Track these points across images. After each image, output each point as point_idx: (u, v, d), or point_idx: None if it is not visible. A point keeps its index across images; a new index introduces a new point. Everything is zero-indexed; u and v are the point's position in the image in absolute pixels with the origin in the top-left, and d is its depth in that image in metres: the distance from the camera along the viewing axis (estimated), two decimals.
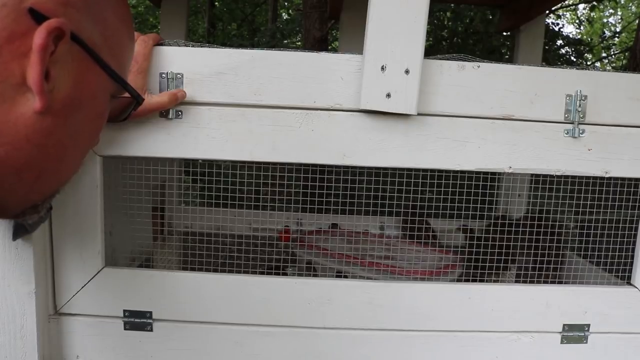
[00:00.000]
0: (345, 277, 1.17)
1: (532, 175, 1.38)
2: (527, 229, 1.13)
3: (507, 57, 5.52)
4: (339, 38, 1.90)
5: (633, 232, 0.97)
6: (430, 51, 5.18)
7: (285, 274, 1.27)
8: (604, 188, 1.00)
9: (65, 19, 0.42)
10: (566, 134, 0.88)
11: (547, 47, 6.03)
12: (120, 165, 0.99)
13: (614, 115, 0.88)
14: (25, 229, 0.78)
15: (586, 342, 0.96)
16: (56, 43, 0.42)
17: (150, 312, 0.91)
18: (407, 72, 0.82)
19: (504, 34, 5.39)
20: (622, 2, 8.74)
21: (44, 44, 0.41)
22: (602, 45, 8.18)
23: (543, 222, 1.21)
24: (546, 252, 1.14)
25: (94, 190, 0.87)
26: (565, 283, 1.12)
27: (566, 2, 7.11)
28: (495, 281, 1.15)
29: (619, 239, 0.99)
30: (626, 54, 6.58)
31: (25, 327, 0.86)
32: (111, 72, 0.50)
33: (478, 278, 1.05)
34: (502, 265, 1.05)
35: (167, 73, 0.83)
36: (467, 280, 1.14)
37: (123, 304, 0.91)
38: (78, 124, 0.49)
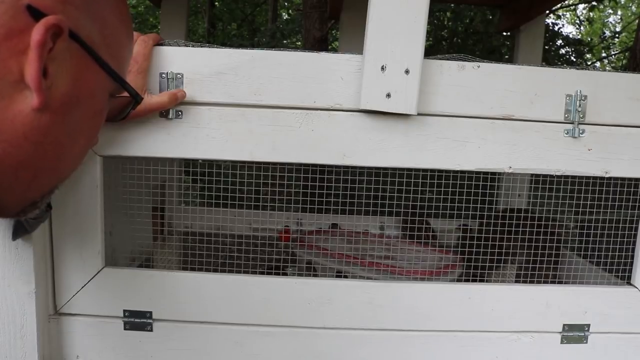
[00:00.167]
0: (345, 277, 1.17)
1: (532, 175, 1.38)
2: (521, 227, 1.13)
3: (507, 57, 5.52)
4: (339, 38, 1.90)
5: (633, 232, 0.97)
6: (430, 51, 5.18)
7: (285, 274, 1.27)
8: (604, 188, 1.00)
9: (63, 16, 0.42)
10: (566, 134, 0.88)
11: (547, 47, 6.03)
12: (120, 165, 0.99)
13: (614, 115, 0.88)
14: (25, 228, 0.78)
15: (586, 342, 0.96)
16: (54, 40, 0.42)
17: (150, 312, 0.91)
18: (407, 72, 0.82)
19: (504, 34, 5.39)
20: (622, 2, 8.73)
21: (42, 41, 0.41)
22: (602, 45, 8.18)
23: (536, 219, 1.21)
24: (539, 248, 1.14)
25: (94, 190, 0.87)
26: (565, 283, 1.12)
27: (566, 2, 7.11)
28: (495, 275, 1.15)
29: (619, 239, 0.99)
30: (626, 54, 6.58)
31: (25, 327, 0.86)
32: (110, 70, 0.49)
33: (479, 271, 1.04)
34: (495, 259, 1.05)
35: (167, 73, 0.83)
36: (467, 276, 1.14)
37: (123, 304, 0.91)
38: (76, 122, 0.49)
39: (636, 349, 0.97)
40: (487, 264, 1.03)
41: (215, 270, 0.99)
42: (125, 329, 0.91)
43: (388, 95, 0.83)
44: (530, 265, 1.09)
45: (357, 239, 1.38)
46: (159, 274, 0.92)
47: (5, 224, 0.82)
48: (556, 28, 6.57)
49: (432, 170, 0.95)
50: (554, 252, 1.18)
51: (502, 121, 0.87)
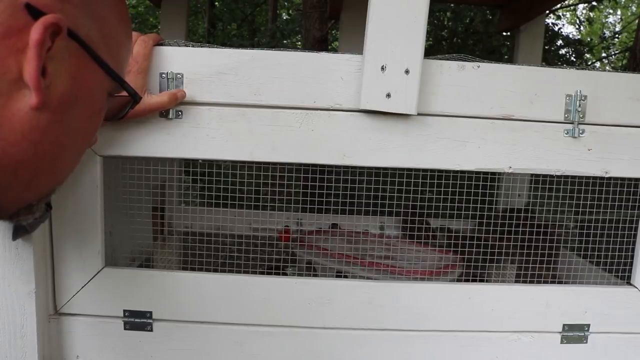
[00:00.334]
0: (345, 277, 1.17)
1: (532, 175, 1.38)
2: (514, 226, 1.13)
3: (507, 57, 5.52)
4: (339, 38, 1.90)
5: (633, 232, 0.97)
6: (430, 51, 5.18)
7: (285, 274, 1.27)
8: (604, 188, 1.00)
9: (62, 15, 0.42)
10: (566, 134, 0.88)
11: (547, 47, 6.03)
12: (120, 165, 0.99)
13: (614, 115, 0.88)
14: (25, 229, 0.78)
15: (586, 342, 0.96)
16: (53, 39, 0.42)
17: (150, 312, 0.91)
18: (407, 72, 0.82)
19: (504, 34, 5.39)
20: (622, 2, 8.74)
21: (41, 39, 0.41)
22: (602, 45, 8.17)
23: (535, 219, 1.21)
24: (537, 248, 1.14)
25: (94, 190, 0.87)
26: (565, 283, 1.12)
27: (566, 2, 7.11)
28: (495, 274, 1.15)
29: (619, 239, 0.99)
30: (626, 54, 6.58)
31: (25, 327, 0.86)
32: (108, 69, 0.49)
33: (479, 270, 1.04)
34: (487, 259, 1.05)
35: (167, 73, 0.83)
36: (460, 276, 1.14)
37: (123, 304, 0.91)
38: (75, 122, 0.48)
39: (636, 349, 0.97)
40: (474, 264, 1.03)
41: (215, 270, 0.99)
42: (125, 329, 0.91)
43: (388, 95, 0.83)
44: (530, 265, 1.09)
45: (357, 239, 1.38)
46: (159, 274, 0.92)
47: (5, 224, 0.82)
48: (556, 28, 6.57)
49: (432, 170, 0.95)
50: (553, 252, 1.18)
51: (502, 121, 0.87)
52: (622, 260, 1.00)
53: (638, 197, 0.98)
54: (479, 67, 0.86)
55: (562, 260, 1.25)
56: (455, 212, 1.48)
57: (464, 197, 1.08)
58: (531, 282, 1.06)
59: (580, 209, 1.03)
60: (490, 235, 1.11)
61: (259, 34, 6.99)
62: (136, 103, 0.62)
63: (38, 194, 0.51)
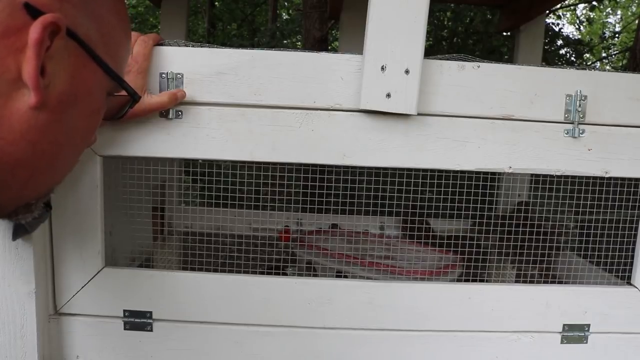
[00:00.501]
0: (345, 277, 1.17)
1: (532, 175, 1.38)
2: (507, 225, 1.13)
3: (507, 57, 5.52)
4: (339, 38, 1.90)
5: (633, 232, 0.97)
6: (430, 51, 5.18)
7: (285, 274, 1.27)
8: (604, 188, 1.00)
9: (60, 14, 0.42)
10: (566, 134, 0.88)
11: (547, 47, 6.03)
12: (120, 165, 0.99)
13: (614, 115, 0.88)
14: (25, 229, 0.78)
15: (586, 342, 0.96)
16: (52, 38, 0.42)
17: (150, 312, 0.91)
18: (407, 72, 0.82)
19: (504, 34, 5.39)
20: (623, 2, 8.73)
21: (40, 39, 0.41)
22: (602, 45, 8.18)
23: (529, 217, 1.21)
24: (535, 248, 1.14)
25: (94, 190, 0.87)
26: (565, 283, 1.12)
27: (566, 2, 7.11)
28: (494, 274, 1.15)
29: (619, 239, 0.99)
30: (626, 54, 6.58)
31: (25, 327, 0.86)
32: (107, 68, 0.49)
33: (479, 270, 1.04)
34: (488, 257, 1.05)
35: (167, 73, 0.83)
36: (468, 271, 1.14)
37: (123, 304, 0.91)
38: (73, 121, 0.48)
39: (636, 349, 0.97)
40: (474, 264, 1.03)
41: (215, 270, 0.99)
42: (125, 329, 0.91)
43: (388, 95, 0.83)
44: (530, 266, 1.09)
45: (357, 239, 1.38)
46: (159, 274, 0.92)
47: (5, 224, 0.82)
48: (556, 28, 6.56)
49: (432, 170, 0.95)
50: (553, 252, 1.18)
51: (502, 121, 0.87)
52: (622, 260, 1.01)
53: (638, 197, 0.98)
54: (479, 67, 0.86)
55: (562, 260, 1.25)
56: (455, 212, 1.48)
57: (464, 197, 1.08)
58: (531, 282, 1.06)
59: (580, 209, 1.03)
60: (490, 236, 1.11)
61: (259, 34, 6.99)
62: (135, 102, 0.62)
63: (36, 193, 0.51)
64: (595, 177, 0.92)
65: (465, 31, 6.00)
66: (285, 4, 8.20)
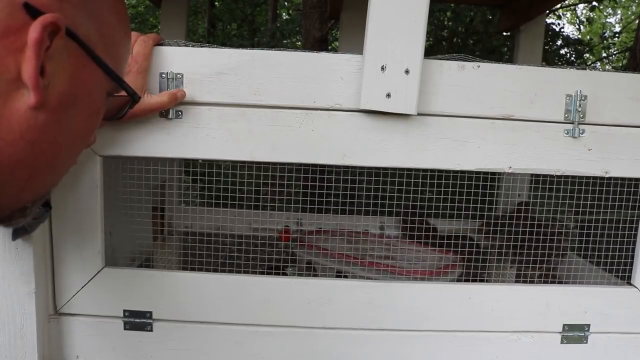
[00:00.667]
0: (345, 277, 1.17)
1: (532, 175, 1.38)
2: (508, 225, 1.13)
3: (507, 57, 5.52)
4: (339, 38, 1.90)
5: (633, 232, 0.97)
6: (430, 51, 5.18)
7: (285, 274, 1.27)
8: (604, 188, 1.00)
9: (60, 14, 0.42)
10: (566, 134, 0.88)
11: (547, 47, 6.03)
12: (120, 165, 0.99)
13: (614, 115, 0.88)
14: (25, 229, 0.78)
15: (586, 342, 0.96)
16: (51, 38, 0.42)
17: (150, 312, 0.91)
18: (407, 72, 0.82)
19: (504, 34, 5.39)
20: (623, 2, 8.73)
21: (39, 38, 0.41)
22: (602, 45, 8.18)
23: (533, 217, 1.21)
24: (534, 246, 1.14)
25: (94, 190, 0.87)
26: (565, 283, 1.12)
27: (566, 2, 7.11)
28: (495, 274, 1.15)
29: (619, 239, 0.99)
30: (626, 54, 6.58)
31: (25, 327, 0.86)
32: (107, 69, 0.49)
33: (479, 270, 1.04)
34: (488, 258, 1.05)
35: (167, 73, 0.83)
36: (467, 274, 1.14)
37: (123, 304, 0.91)
38: (73, 121, 0.48)
39: (636, 349, 0.97)
40: (474, 264, 1.03)
41: (215, 270, 0.99)
42: (125, 329, 0.91)
43: (388, 95, 0.83)
44: (530, 266, 1.09)
45: (357, 239, 1.38)
46: (159, 274, 0.92)
47: None
48: (556, 28, 6.56)
49: (432, 170, 0.95)
50: (554, 252, 1.18)
51: (502, 121, 0.87)
52: (622, 260, 1.00)
53: (638, 197, 0.98)
54: (479, 67, 0.86)
55: (563, 260, 1.25)
56: (455, 212, 1.48)
57: (464, 197, 1.08)
58: (531, 282, 1.06)
59: (580, 209, 1.03)
60: (490, 236, 1.11)
61: (259, 34, 6.99)
62: (135, 103, 0.62)
63: (34, 194, 0.51)
64: (595, 177, 0.92)
65: (465, 31, 6.01)
66: (285, 4, 8.20)
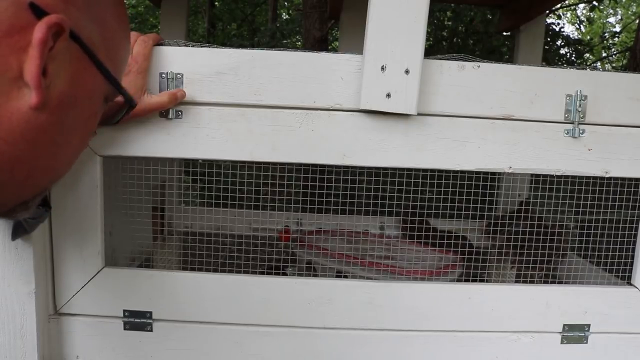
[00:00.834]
0: (345, 277, 1.17)
1: (532, 175, 1.38)
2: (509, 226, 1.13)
3: (507, 57, 5.52)
4: (339, 38, 1.90)
5: (633, 232, 0.97)
6: (430, 51, 5.18)
7: (285, 274, 1.27)
8: (604, 188, 1.00)
9: (65, 16, 0.42)
10: (566, 134, 0.88)
11: (547, 47, 6.03)
12: (120, 165, 0.99)
13: (614, 115, 0.88)
14: (25, 229, 0.78)
15: (586, 342, 0.96)
16: (55, 39, 0.42)
17: (150, 312, 0.91)
18: (407, 72, 0.82)
19: (504, 34, 5.39)
20: (623, 2, 8.73)
21: (44, 39, 0.41)
22: (602, 45, 8.18)
23: (535, 217, 1.21)
24: (535, 246, 1.14)
25: (94, 190, 0.87)
26: (565, 283, 1.12)
27: (566, 2, 7.11)
28: (495, 274, 1.14)
29: (619, 239, 0.99)
30: (626, 54, 6.58)
31: (25, 327, 0.86)
32: (107, 73, 0.49)
33: (479, 270, 1.04)
34: (489, 258, 1.05)
35: (167, 73, 0.83)
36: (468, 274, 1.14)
37: (123, 304, 0.91)
38: (72, 123, 0.49)
39: (636, 349, 0.97)
40: (474, 264, 1.03)
41: (215, 270, 0.99)
42: (125, 329, 0.91)
43: (388, 95, 0.83)
44: (530, 266, 1.09)
45: (357, 239, 1.38)
46: (159, 274, 0.92)
47: (5, 223, 0.82)
48: (556, 28, 6.56)
49: (432, 170, 0.95)
50: (554, 252, 1.18)
51: (502, 121, 0.87)
52: (622, 260, 1.00)
53: (638, 197, 0.98)
54: (479, 67, 0.86)
55: (563, 260, 1.25)
56: (456, 212, 1.48)
57: (464, 197, 1.08)
58: (531, 282, 1.06)
59: (581, 209, 1.03)
60: (490, 236, 1.11)
61: (259, 34, 6.99)
62: (132, 109, 0.62)
63: (33, 191, 0.52)
64: (595, 177, 0.92)
65: (465, 31, 6.01)
66: (285, 4, 8.21)
